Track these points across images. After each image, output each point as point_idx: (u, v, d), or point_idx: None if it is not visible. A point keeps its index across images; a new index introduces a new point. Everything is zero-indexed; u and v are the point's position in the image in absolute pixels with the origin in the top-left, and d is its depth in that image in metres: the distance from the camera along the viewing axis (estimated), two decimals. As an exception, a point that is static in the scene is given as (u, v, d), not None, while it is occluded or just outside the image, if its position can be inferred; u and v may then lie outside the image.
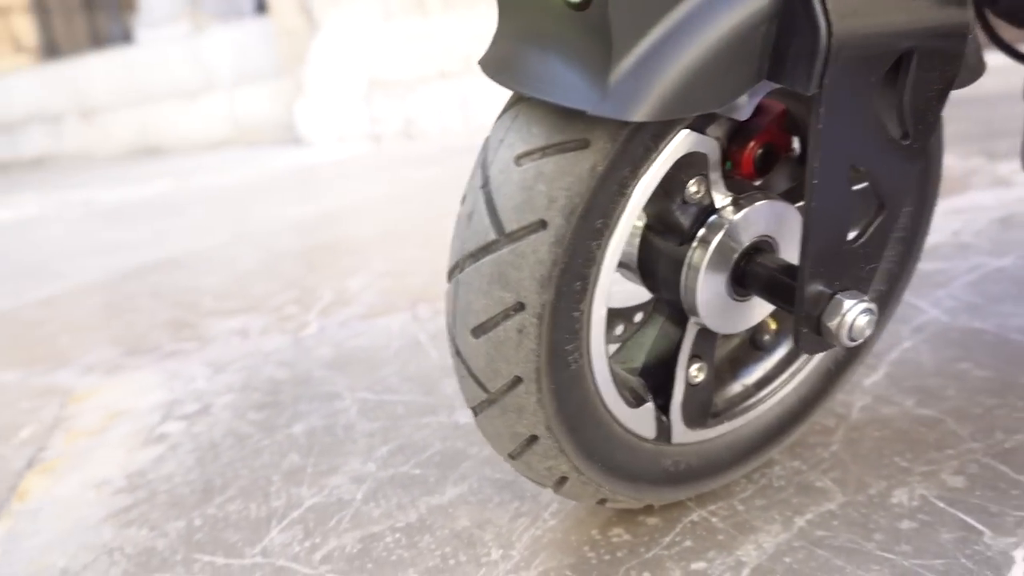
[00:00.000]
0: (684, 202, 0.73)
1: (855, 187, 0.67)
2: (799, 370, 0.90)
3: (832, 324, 0.70)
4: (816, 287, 0.69)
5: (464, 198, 0.68)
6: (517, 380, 0.68)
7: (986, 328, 1.22)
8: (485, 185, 0.65)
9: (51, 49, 8.77)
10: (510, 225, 0.63)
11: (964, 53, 0.65)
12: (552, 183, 0.62)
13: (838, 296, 0.70)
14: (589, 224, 0.64)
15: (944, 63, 0.65)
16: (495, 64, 0.65)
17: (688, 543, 0.83)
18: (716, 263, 0.75)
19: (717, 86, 0.59)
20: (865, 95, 0.62)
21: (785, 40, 0.60)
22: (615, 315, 0.92)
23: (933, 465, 0.91)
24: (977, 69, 0.73)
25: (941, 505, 0.84)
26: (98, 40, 8.95)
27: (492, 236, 0.64)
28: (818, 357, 0.90)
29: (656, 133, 0.64)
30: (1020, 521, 0.80)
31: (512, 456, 0.75)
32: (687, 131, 0.67)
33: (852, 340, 0.70)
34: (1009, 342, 1.17)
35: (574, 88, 0.59)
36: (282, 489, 1.05)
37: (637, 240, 0.80)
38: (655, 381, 0.82)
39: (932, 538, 0.79)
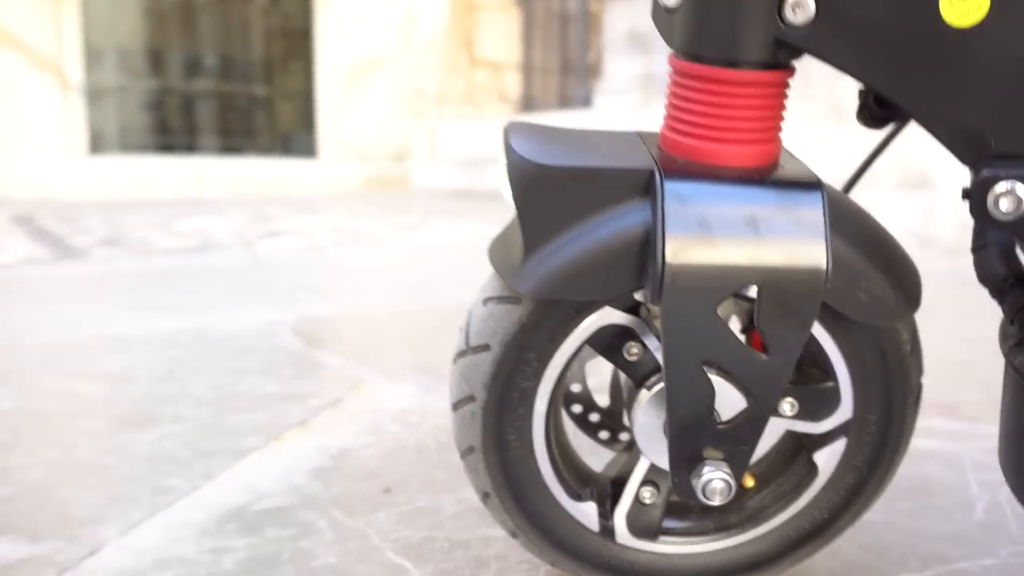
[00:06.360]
0: (629, 361, 0.97)
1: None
2: (758, 526, 1.04)
3: (692, 481, 0.89)
4: (689, 449, 0.89)
5: None
6: (471, 448, 0.98)
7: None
8: (469, 314, 0.97)
9: (528, 103, 10.30)
10: (472, 342, 0.95)
11: (815, 298, 0.81)
12: (497, 321, 0.93)
13: (704, 461, 0.89)
14: (523, 356, 0.92)
15: (795, 303, 0.81)
16: (493, 243, 0.97)
17: (611, 627, 1.04)
18: (654, 410, 0.96)
19: (598, 282, 0.85)
20: (705, 312, 0.82)
21: (649, 260, 0.83)
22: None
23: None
24: (889, 308, 0.85)
25: None
26: (565, 100, 10.25)
27: (464, 347, 0.96)
28: (781, 520, 1.04)
29: (577, 307, 0.91)
30: None
31: (483, 503, 1.04)
32: (607, 308, 0.91)
33: (706, 498, 0.88)
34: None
35: (509, 267, 0.89)
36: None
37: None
38: (617, 490, 1.05)
39: None
